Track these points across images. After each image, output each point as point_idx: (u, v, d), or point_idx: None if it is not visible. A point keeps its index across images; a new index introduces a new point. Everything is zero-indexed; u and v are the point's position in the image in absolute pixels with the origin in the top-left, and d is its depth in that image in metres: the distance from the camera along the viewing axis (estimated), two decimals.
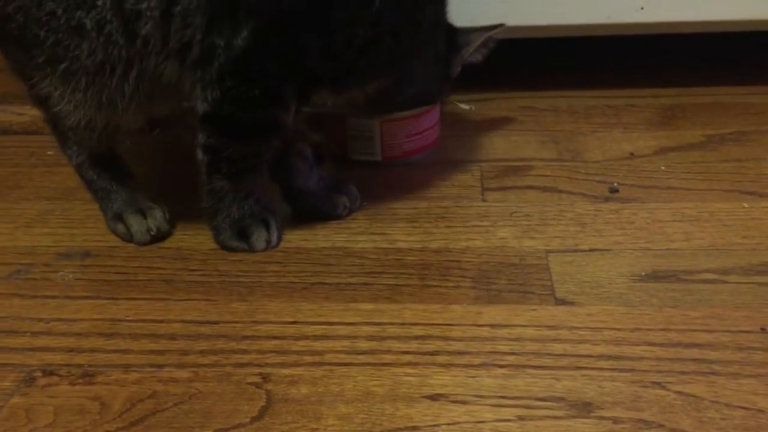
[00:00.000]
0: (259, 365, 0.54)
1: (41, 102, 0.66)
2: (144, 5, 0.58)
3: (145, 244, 0.68)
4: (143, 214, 0.69)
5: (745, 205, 0.70)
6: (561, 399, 0.50)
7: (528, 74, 1.00)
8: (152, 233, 0.68)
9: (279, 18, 0.59)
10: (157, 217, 0.68)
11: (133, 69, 0.61)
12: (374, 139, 0.78)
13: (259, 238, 0.66)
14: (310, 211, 0.70)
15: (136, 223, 0.68)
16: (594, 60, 1.02)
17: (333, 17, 0.60)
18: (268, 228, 0.67)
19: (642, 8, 0.86)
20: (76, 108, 0.64)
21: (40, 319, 0.59)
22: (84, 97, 0.62)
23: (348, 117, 0.77)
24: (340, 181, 0.72)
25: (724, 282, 0.60)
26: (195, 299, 0.61)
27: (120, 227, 0.69)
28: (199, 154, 0.65)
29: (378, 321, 0.58)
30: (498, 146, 0.84)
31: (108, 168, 0.71)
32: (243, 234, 0.66)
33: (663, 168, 0.77)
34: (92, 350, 0.56)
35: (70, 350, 0.56)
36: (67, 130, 0.67)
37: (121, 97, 0.62)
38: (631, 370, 0.52)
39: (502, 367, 0.53)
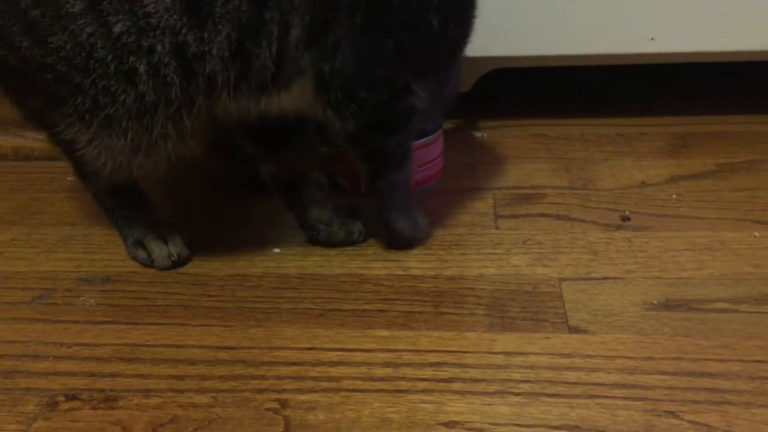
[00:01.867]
0: (276, 391, 0.55)
1: (64, 145, 0.65)
2: (208, 47, 0.57)
3: (166, 269, 0.69)
4: (164, 239, 0.70)
5: (756, 234, 0.71)
6: (575, 427, 0.51)
7: (540, 102, 1.01)
8: (173, 259, 0.69)
9: (380, 21, 0.60)
10: (177, 243, 0.70)
11: (187, 108, 0.60)
12: None
13: (422, 217, 0.72)
14: (326, 240, 0.71)
15: (157, 249, 0.69)
16: (605, 88, 1.04)
17: (411, 7, 0.61)
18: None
19: (653, 39, 0.87)
20: (108, 153, 0.63)
21: (62, 344, 0.60)
22: (121, 142, 0.61)
23: None
24: (355, 206, 0.74)
25: (736, 311, 0.61)
26: (213, 325, 0.62)
27: (141, 253, 0.70)
28: (363, 165, 0.68)
29: (393, 348, 0.59)
30: (511, 174, 0.85)
31: (127, 196, 0.72)
32: (412, 219, 0.71)
33: (674, 197, 0.78)
34: (113, 375, 0.57)
35: (92, 375, 0.57)
36: (89, 171, 0.66)
37: (163, 138, 0.61)
38: (645, 399, 0.53)
39: (516, 394, 0.53)
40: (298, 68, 0.60)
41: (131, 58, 0.57)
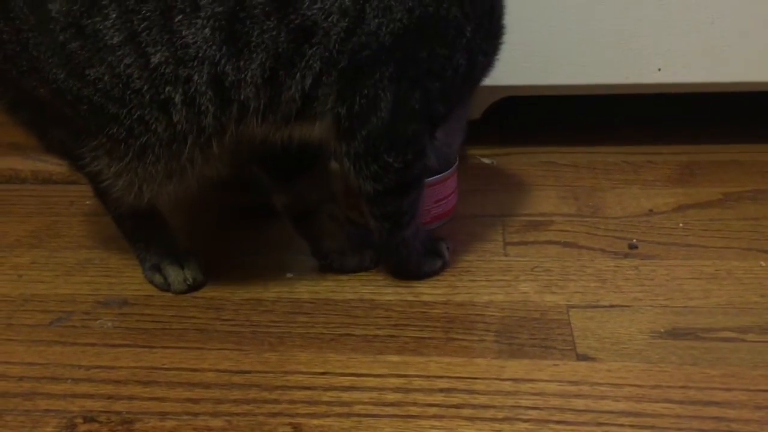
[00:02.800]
0: (290, 415, 0.56)
1: (88, 176, 0.66)
2: (243, 75, 0.57)
3: (181, 293, 0.71)
4: (180, 264, 0.71)
5: (762, 263, 0.72)
6: None
7: (548, 130, 1.03)
8: (188, 283, 0.71)
9: (409, 73, 0.60)
10: (193, 267, 0.71)
11: (218, 135, 0.60)
12: None
13: (444, 248, 0.73)
14: (339, 268, 0.73)
15: (173, 273, 0.71)
16: (613, 117, 1.05)
17: (437, 54, 0.61)
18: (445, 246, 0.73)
19: (659, 69, 0.89)
20: (137, 182, 0.63)
21: (80, 366, 0.62)
22: (151, 170, 0.61)
23: None
24: (367, 234, 0.75)
25: (743, 341, 0.62)
26: (228, 349, 0.63)
27: (158, 277, 0.71)
28: (377, 223, 0.68)
29: (404, 373, 0.60)
30: (519, 201, 0.86)
31: (146, 219, 0.73)
32: (435, 251, 0.72)
33: (681, 225, 0.79)
34: (130, 398, 0.58)
35: (110, 397, 0.58)
36: (112, 198, 0.66)
37: (191, 162, 0.62)
38: (652, 427, 0.54)
39: (525, 421, 0.54)
40: (324, 110, 0.61)
41: (167, 88, 0.58)
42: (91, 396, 0.58)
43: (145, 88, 0.57)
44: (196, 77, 0.57)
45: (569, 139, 1.00)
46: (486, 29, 0.65)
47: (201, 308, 0.69)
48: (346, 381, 0.59)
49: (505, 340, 0.63)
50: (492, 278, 0.72)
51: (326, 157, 0.70)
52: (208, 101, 0.58)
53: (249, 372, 0.61)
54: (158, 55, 0.56)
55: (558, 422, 0.54)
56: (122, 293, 0.71)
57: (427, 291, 0.70)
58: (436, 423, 0.55)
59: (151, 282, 0.72)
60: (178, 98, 0.58)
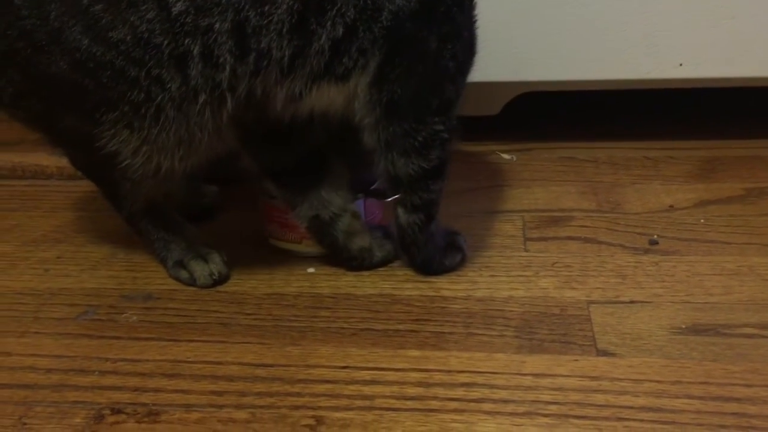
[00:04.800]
0: (312, 408, 0.57)
1: (102, 164, 0.65)
2: (267, 20, 0.57)
3: (207, 287, 0.71)
4: (204, 259, 0.72)
5: None
6: None
7: (568, 125, 1.02)
8: (214, 277, 0.71)
9: (441, 30, 0.62)
10: (217, 262, 0.72)
11: (231, 92, 0.60)
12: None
13: (462, 241, 0.73)
14: (368, 266, 0.73)
15: (199, 269, 0.72)
16: (633, 112, 1.05)
17: (455, 17, 0.64)
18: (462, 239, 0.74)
19: (681, 65, 0.88)
20: (152, 155, 0.63)
21: (107, 359, 0.63)
22: (164, 136, 0.61)
23: None
24: (386, 227, 0.75)
25: (764, 337, 0.61)
26: (250, 342, 0.64)
27: (183, 273, 0.72)
28: (413, 217, 0.68)
29: (425, 368, 0.60)
30: (539, 196, 0.86)
31: (162, 217, 0.73)
32: (454, 245, 0.72)
33: (702, 221, 0.79)
34: (156, 390, 0.59)
35: (136, 389, 0.59)
36: (127, 183, 0.66)
37: (200, 127, 0.61)
38: (672, 423, 0.54)
39: (545, 416, 0.55)
40: (356, 67, 0.61)
41: (187, 40, 0.57)
42: (118, 388, 0.60)
43: (165, 42, 0.57)
44: (217, 25, 0.57)
45: (589, 135, 0.99)
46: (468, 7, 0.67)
47: (224, 302, 0.70)
48: (367, 375, 0.60)
49: (526, 336, 0.63)
50: (512, 274, 0.72)
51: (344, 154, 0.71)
52: (227, 52, 0.58)
53: (272, 365, 0.61)
54: (179, 4, 0.56)
55: (578, 417, 0.54)
56: (146, 287, 0.73)
57: (447, 286, 0.70)
58: (457, 417, 0.55)
59: (177, 278, 0.73)
60: (196, 50, 0.58)
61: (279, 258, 0.76)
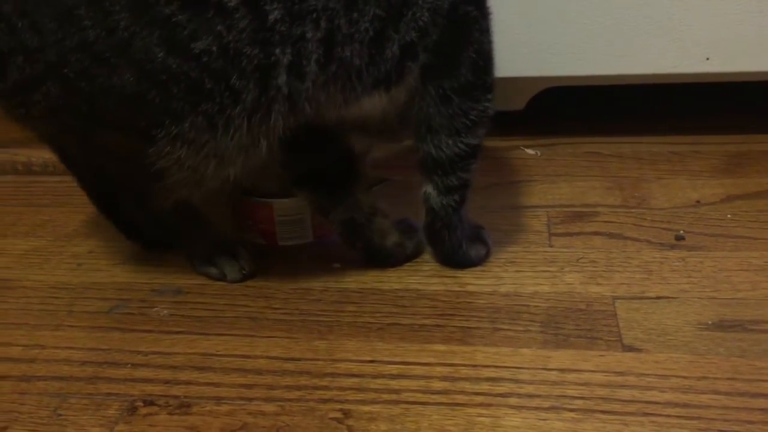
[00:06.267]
0: (340, 401, 0.58)
1: (148, 174, 0.61)
2: (355, 28, 0.57)
3: (236, 281, 0.72)
4: (232, 254, 0.73)
5: None
6: None
7: (592, 120, 1.02)
8: (244, 272, 0.72)
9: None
10: (245, 256, 0.73)
11: (308, 102, 0.59)
12: (305, 220, 0.76)
13: (486, 235, 0.74)
14: (403, 259, 0.74)
15: (228, 264, 0.72)
16: (658, 106, 1.04)
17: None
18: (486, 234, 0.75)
19: (708, 59, 0.88)
20: (207, 166, 0.60)
21: (138, 352, 0.64)
22: (226, 149, 0.59)
23: (274, 204, 0.76)
24: (406, 220, 0.76)
25: None
26: (278, 336, 0.65)
27: (212, 270, 0.73)
28: (448, 198, 0.69)
29: (451, 362, 0.61)
30: (564, 192, 0.86)
31: (188, 216, 0.73)
32: (479, 238, 0.73)
33: (729, 216, 0.78)
34: (187, 383, 0.60)
35: (167, 382, 0.61)
36: (160, 193, 0.65)
37: (265, 138, 0.59)
38: (698, 419, 0.54)
39: (571, 410, 0.55)
40: (421, 59, 0.62)
41: (277, 50, 0.56)
42: (150, 380, 0.61)
43: (254, 53, 0.55)
44: (309, 34, 0.56)
45: (614, 130, 0.99)
46: None
47: (252, 297, 0.71)
48: (394, 369, 0.61)
49: (551, 331, 0.64)
50: (537, 269, 0.72)
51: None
52: (315, 61, 0.57)
53: (299, 359, 0.62)
54: (276, 12, 0.55)
55: (604, 412, 0.55)
56: (176, 282, 0.74)
57: (473, 281, 0.71)
58: (483, 411, 0.56)
59: (206, 275, 0.74)
60: (285, 60, 0.56)
61: (302, 254, 0.77)
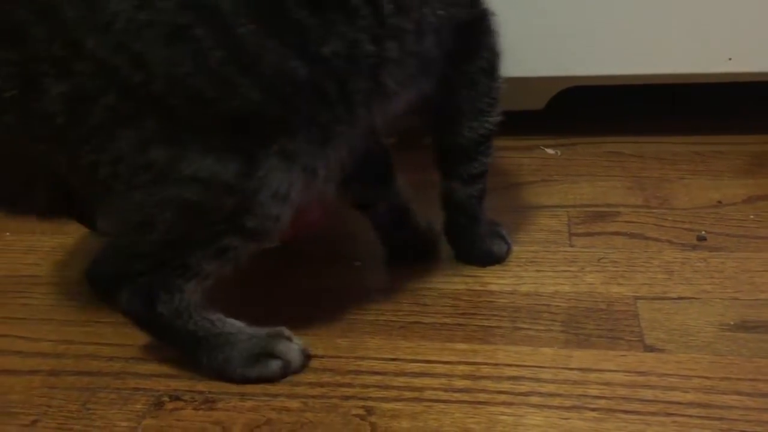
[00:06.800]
0: (362, 398, 0.58)
1: (225, 214, 0.55)
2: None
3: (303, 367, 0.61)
4: (282, 335, 0.62)
5: None
6: None
7: (613, 119, 1.02)
8: (306, 353, 0.62)
9: None
10: (289, 332, 0.62)
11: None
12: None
13: (506, 232, 0.75)
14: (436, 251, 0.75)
15: (290, 349, 0.61)
16: (680, 106, 1.04)
17: None
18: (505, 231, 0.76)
19: (730, 59, 0.87)
20: (306, 185, 0.56)
21: (164, 348, 0.65)
22: (330, 161, 0.57)
23: None
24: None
25: None
26: (300, 334, 0.65)
27: (272, 364, 0.60)
28: (472, 187, 0.70)
29: (473, 360, 0.61)
30: (584, 191, 0.86)
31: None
32: (498, 234, 0.74)
33: (752, 217, 0.78)
34: (211, 379, 0.61)
35: (192, 378, 0.61)
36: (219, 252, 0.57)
37: (363, 142, 0.60)
38: (721, 419, 0.54)
39: (593, 410, 0.55)
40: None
41: (389, 44, 0.56)
42: (175, 376, 0.62)
43: (371, 49, 0.55)
44: (409, 26, 0.57)
45: (635, 129, 0.99)
46: None
47: (274, 296, 0.72)
48: (416, 367, 0.61)
49: (572, 330, 0.64)
50: (557, 269, 0.72)
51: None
52: (411, 55, 0.58)
53: (322, 357, 0.63)
54: (389, 6, 0.55)
55: (626, 412, 0.55)
56: None
57: (493, 281, 0.71)
58: (505, 410, 0.56)
59: (260, 376, 0.60)
60: (393, 54, 0.56)
61: (324, 252, 0.78)
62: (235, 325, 0.61)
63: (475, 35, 0.66)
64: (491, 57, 0.67)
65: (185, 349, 0.61)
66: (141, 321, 0.60)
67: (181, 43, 0.50)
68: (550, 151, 0.97)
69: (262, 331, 0.62)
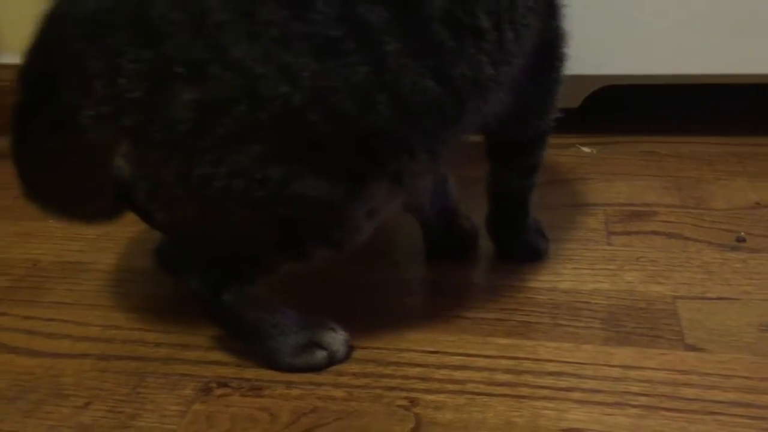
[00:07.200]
0: (405, 390, 0.59)
1: (322, 229, 0.56)
2: None
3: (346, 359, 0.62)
4: (326, 326, 0.63)
5: None
6: None
7: (649, 119, 1.02)
8: (349, 343, 0.63)
9: None
10: (334, 324, 0.63)
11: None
12: None
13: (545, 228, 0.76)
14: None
15: (335, 340, 0.62)
16: (716, 106, 1.03)
17: None
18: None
19: None
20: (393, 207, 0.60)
21: (210, 336, 0.67)
22: (432, 174, 0.60)
23: None
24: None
25: None
26: (342, 325, 0.67)
27: (318, 354, 0.61)
28: (523, 182, 0.71)
29: (514, 355, 0.62)
30: (621, 190, 0.87)
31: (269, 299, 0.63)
32: (540, 231, 0.75)
33: None
34: (257, 366, 0.62)
35: (239, 365, 0.63)
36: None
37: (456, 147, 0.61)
38: (762, 419, 0.54)
39: (634, 407, 0.56)
40: None
41: (503, 69, 0.58)
42: (222, 363, 0.63)
43: (491, 72, 0.56)
44: (518, 50, 0.59)
45: (671, 129, 0.99)
46: None
47: (314, 287, 0.73)
48: (457, 360, 0.62)
49: (612, 328, 0.64)
50: (596, 267, 0.73)
51: None
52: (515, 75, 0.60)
53: (365, 348, 0.64)
54: (509, 33, 0.57)
55: (668, 409, 0.56)
56: None
57: (533, 277, 0.72)
58: (548, 404, 0.57)
59: (306, 366, 0.62)
60: (505, 78, 0.58)
61: (366, 246, 0.78)
62: (288, 315, 0.62)
63: (554, 50, 0.66)
64: (562, 65, 0.68)
65: (241, 336, 0.62)
66: (205, 305, 0.61)
67: (331, 57, 0.49)
68: (586, 149, 0.97)
69: (309, 321, 0.63)
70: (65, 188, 0.59)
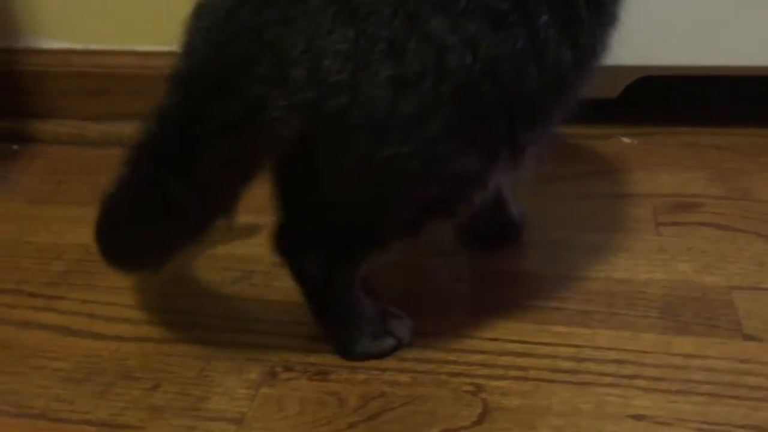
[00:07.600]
0: (469, 376, 0.60)
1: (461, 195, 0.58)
2: None
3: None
4: (396, 314, 0.64)
5: None
6: (760, 428, 0.54)
7: (689, 110, 1.02)
8: (413, 330, 0.64)
9: None
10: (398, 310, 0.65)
11: None
12: None
13: None
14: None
15: (402, 327, 0.64)
16: (758, 97, 1.04)
17: None
18: None
19: None
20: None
21: (271, 321, 0.68)
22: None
23: None
24: None
25: None
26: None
27: (388, 341, 0.63)
28: None
29: (573, 343, 0.63)
30: (665, 182, 0.87)
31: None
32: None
33: None
34: (322, 351, 0.63)
35: (303, 350, 0.64)
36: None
37: None
38: None
39: (699, 394, 0.57)
40: None
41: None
42: (286, 348, 0.64)
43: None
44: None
45: (711, 120, 0.99)
46: None
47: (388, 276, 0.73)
48: (517, 347, 0.63)
49: (670, 318, 0.65)
50: (649, 257, 0.74)
51: None
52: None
53: (426, 334, 0.65)
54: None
55: (732, 397, 0.57)
56: None
57: (585, 266, 0.73)
58: (612, 391, 0.58)
59: (379, 352, 0.63)
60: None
61: None
62: (369, 302, 0.63)
63: None
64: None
65: (332, 321, 0.63)
66: (316, 288, 0.61)
67: (501, 29, 0.51)
68: (626, 140, 0.97)
69: (382, 309, 0.64)
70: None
